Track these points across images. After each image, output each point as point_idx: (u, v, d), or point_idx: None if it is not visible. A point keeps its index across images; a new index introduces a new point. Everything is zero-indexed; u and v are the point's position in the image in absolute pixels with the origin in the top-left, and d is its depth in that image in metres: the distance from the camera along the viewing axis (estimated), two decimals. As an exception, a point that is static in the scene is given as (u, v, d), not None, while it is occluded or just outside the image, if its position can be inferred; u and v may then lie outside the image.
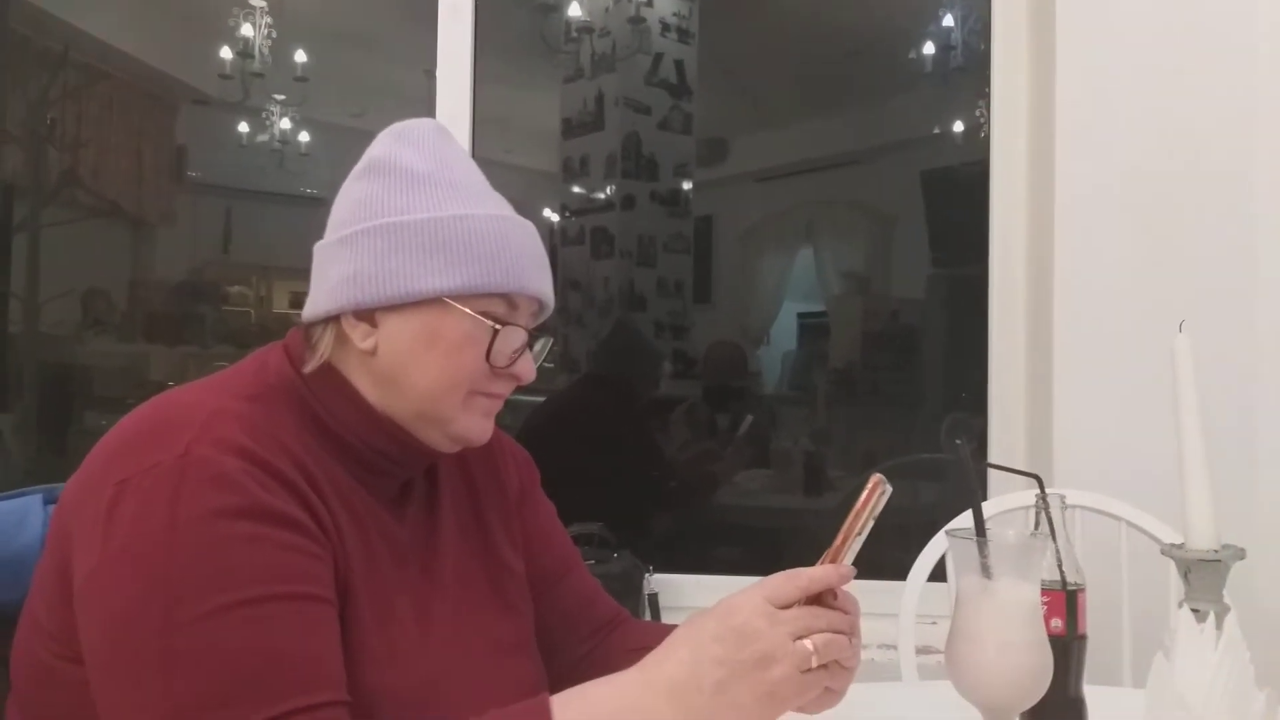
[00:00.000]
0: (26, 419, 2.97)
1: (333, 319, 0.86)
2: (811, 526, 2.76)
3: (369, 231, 0.84)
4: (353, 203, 0.87)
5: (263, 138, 3.48)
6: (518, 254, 0.86)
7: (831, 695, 0.80)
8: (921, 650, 1.46)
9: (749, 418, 2.90)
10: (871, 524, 0.77)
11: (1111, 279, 1.80)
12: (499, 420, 0.96)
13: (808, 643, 0.72)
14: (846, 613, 0.78)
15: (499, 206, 0.89)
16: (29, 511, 0.93)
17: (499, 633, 0.93)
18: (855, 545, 0.77)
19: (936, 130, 3.02)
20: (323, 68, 3.42)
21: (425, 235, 0.83)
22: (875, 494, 0.76)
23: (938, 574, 1.46)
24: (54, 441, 3.01)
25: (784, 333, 3.79)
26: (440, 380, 0.85)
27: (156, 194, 3.46)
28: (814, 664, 0.72)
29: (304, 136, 3.57)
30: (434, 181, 0.86)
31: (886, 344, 3.28)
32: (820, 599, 0.77)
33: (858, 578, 0.78)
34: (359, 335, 0.85)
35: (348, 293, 0.83)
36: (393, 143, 0.89)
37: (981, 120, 2.15)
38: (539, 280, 0.89)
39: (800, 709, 0.81)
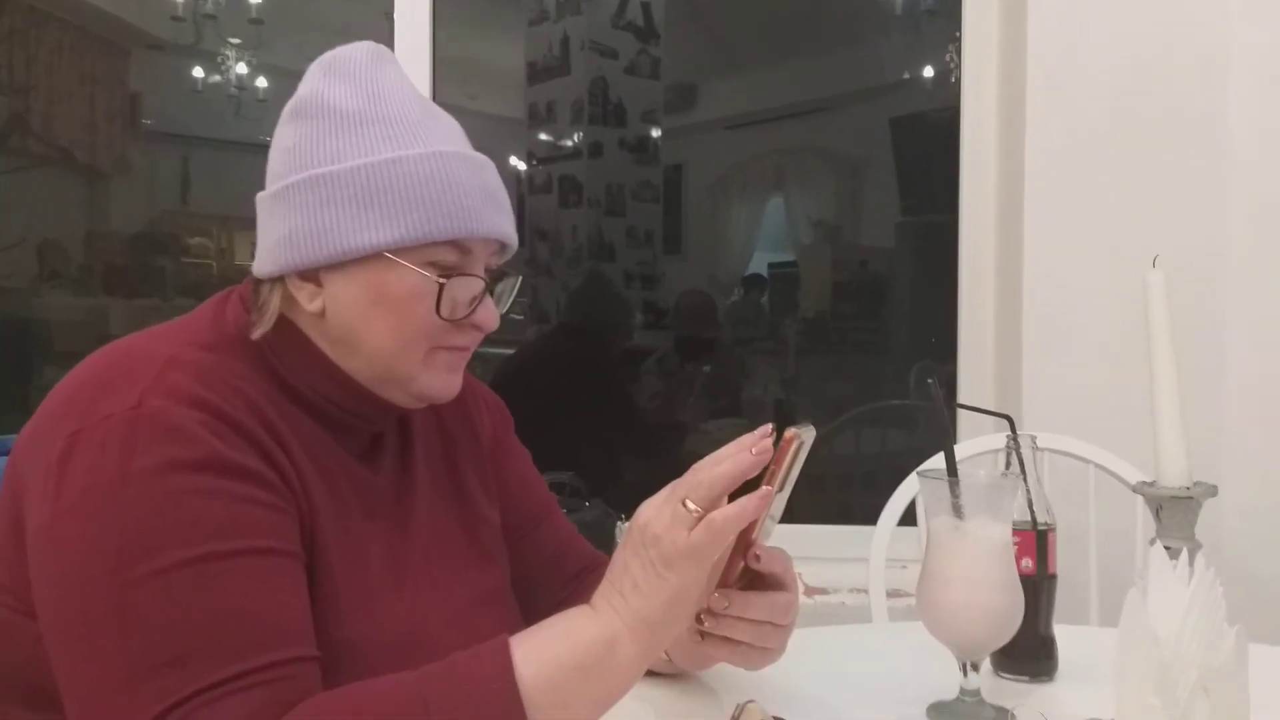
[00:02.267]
0: (-18, 374, 2.91)
1: (279, 279, 0.82)
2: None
3: (299, 185, 0.79)
4: (283, 151, 0.82)
5: (215, 79, 3.38)
6: (462, 193, 0.80)
7: (768, 653, 0.81)
8: (892, 594, 1.47)
9: (705, 369, 2.91)
10: (795, 477, 0.74)
11: (1081, 224, 1.80)
12: (471, 369, 0.93)
13: (687, 502, 0.70)
14: (784, 588, 0.79)
15: (442, 140, 0.82)
16: (-22, 464, 0.90)
17: (475, 583, 0.92)
18: (780, 501, 0.74)
19: (906, 75, 2.98)
20: (279, 10, 3.31)
21: (357, 185, 0.78)
22: (789, 451, 0.72)
23: (907, 519, 1.47)
24: (12, 397, 2.95)
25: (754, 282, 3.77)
26: (392, 339, 0.81)
27: (110, 142, 3.35)
28: (694, 521, 0.69)
29: (261, 82, 3.46)
30: (364, 120, 0.80)
31: (856, 292, 3.28)
32: (758, 579, 0.78)
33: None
34: (305, 297, 0.81)
35: (286, 254, 0.80)
36: (321, 78, 0.83)
37: (952, 65, 2.12)
38: (491, 219, 0.82)
39: (739, 663, 0.82)
